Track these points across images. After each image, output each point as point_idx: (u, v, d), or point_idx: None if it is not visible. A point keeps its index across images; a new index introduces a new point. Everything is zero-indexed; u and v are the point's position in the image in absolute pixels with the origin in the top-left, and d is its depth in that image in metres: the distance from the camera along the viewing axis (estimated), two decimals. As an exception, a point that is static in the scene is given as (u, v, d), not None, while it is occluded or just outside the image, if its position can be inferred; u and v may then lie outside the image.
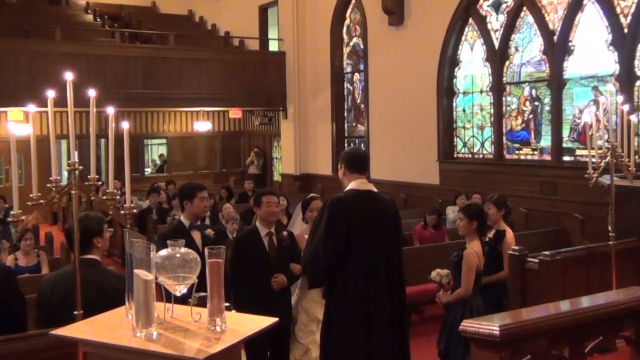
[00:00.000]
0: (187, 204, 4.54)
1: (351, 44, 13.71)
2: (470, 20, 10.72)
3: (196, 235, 4.46)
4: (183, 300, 2.38)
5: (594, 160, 5.54)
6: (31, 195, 3.10)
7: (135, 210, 3.46)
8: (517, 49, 10.03)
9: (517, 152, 10.16)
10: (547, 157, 9.62)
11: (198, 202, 4.52)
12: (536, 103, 9.82)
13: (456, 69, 11.05)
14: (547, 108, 9.61)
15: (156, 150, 18.67)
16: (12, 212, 3.10)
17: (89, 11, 17.83)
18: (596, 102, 8.36)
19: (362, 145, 13.37)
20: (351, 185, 4.07)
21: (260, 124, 16.81)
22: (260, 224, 4.86)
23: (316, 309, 4.83)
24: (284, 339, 4.82)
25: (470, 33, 10.79)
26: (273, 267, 4.73)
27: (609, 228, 5.76)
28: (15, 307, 3.63)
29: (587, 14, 8.97)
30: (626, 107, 5.55)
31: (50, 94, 3.16)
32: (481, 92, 10.68)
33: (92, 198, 3.24)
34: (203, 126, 17.40)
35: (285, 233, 4.90)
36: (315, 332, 4.79)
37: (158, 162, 18.49)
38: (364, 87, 13.11)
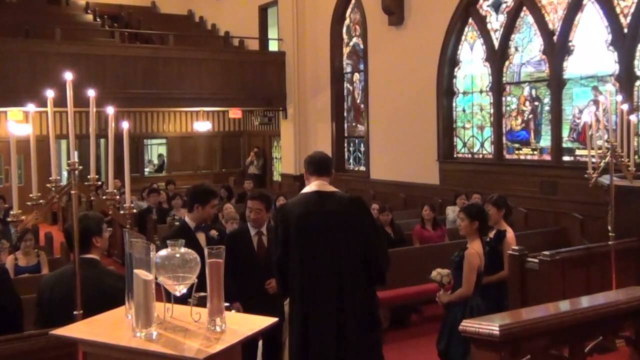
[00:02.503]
0: (198, 208, 4.52)
1: (351, 44, 13.71)
2: (470, 20, 10.71)
3: (201, 237, 4.47)
4: (183, 300, 2.38)
5: (593, 160, 5.54)
6: (31, 195, 3.10)
7: (135, 210, 3.46)
8: (517, 49, 10.03)
9: (517, 152, 10.16)
10: (547, 157, 9.61)
11: (209, 209, 4.54)
12: (536, 103, 9.82)
13: (456, 69, 11.05)
14: (547, 108, 9.61)
15: (156, 150, 18.67)
16: (12, 212, 3.10)
17: (89, 11, 17.81)
18: (596, 102, 8.36)
19: (362, 145, 13.39)
20: (305, 188, 4.05)
21: (260, 124, 16.82)
22: (250, 223, 4.90)
23: None
24: (275, 335, 4.82)
25: (470, 33, 10.79)
26: (261, 267, 4.76)
27: (609, 228, 5.76)
28: (10, 308, 3.63)
29: (587, 14, 8.96)
30: (626, 107, 5.55)
31: (50, 94, 3.15)
32: (481, 92, 10.68)
33: (92, 198, 3.24)
34: (203, 126, 17.39)
35: None
36: None
37: (156, 162, 18.49)
38: (364, 87, 13.10)
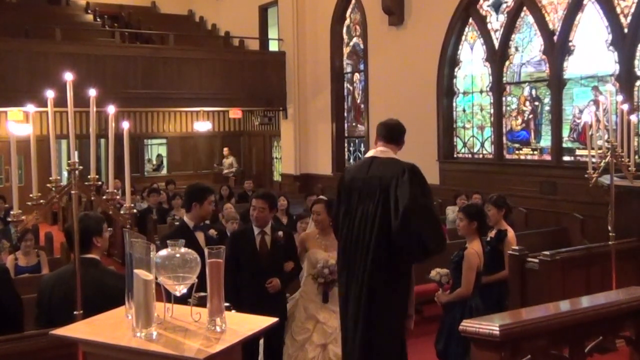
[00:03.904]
0: (196, 206, 4.53)
1: (351, 44, 13.71)
2: (470, 20, 10.71)
3: (200, 236, 4.48)
4: (183, 300, 2.38)
5: (594, 160, 5.53)
6: (31, 195, 3.10)
7: (135, 210, 3.46)
8: (517, 49, 10.03)
9: (517, 152, 10.16)
10: (547, 157, 9.61)
11: (207, 206, 4.55)
12: (536, 103, 9.82)
13: (456, 69, 11.05)
14: (547, 108, 9.61)
15: (156, 151, 18.67)
16: (12, 212, 3.10)
17: (89, 11, 17.81)
18: (596, 102, 8.36)
19: (362, 145, 13.38)
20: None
21: (260, 124, 16.82)
22: (253, 222, 4.91)
23: (314, 308, 4.85)
24: (276, 334, 4.83)
25: (470, 33, 10.79)
26: (263, 266, 4.76)
27: (609, 228, 5.75)
28: (11, 308, 3.63)
29: (587, 14, 8.97)
30: (626, 107, 5.55)
31: (50, 94, 3.15)
32: (481, 92, 10.67)
33: (92, 198, 3.24)
34: (203, 126, 17.40)
35: (280, 233, 4.92)
36: (311, 330, 4.80)
37: (155, 162, 18.49)
38: (364, 87, 13.10)
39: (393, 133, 4.12)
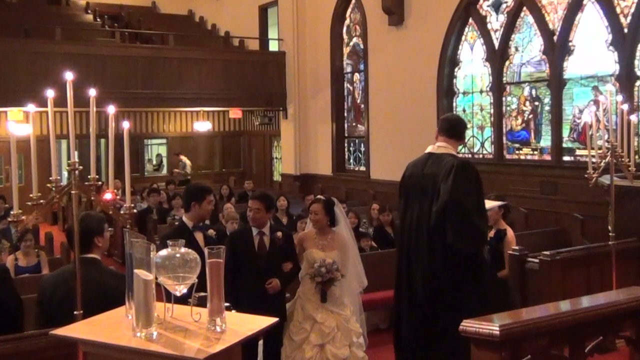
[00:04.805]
0: (195, 206, 4.53)
1: (351, 44, 13.71)
2: (470, 20, 10.71)
3: (199, 236, 4.48)
4: (183, 300, 2.38)
5: (594, 160, 5.53)
6: (31, 195, 3.10)
7: (135, 210, 3.46)
8: (517, 49, 10.03)
9: (517, 152, 10.16)
10: (547, 157, 9.61)
11: (206, 205, 4.54)
12: (536, 103, 9.81)
13: (456, 69, 11.05)
14: (547, 108, 9.61)
15: (156, 151, 18.68)
16: (12, 212, 3.10)
17: (89, 11, 17.82)
18: (596, 102, 8.35)
19: (362, 145, 13.38)
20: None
21: (260, 124, 16.82)
22: (251, 223, 4.92)
23: (312, 308, 4.85)
24: (276, 334, 4.83)
25: (470, 33, 10.79)
26: (262, 267, 4.76)
27: (609, 228, 5.75)
28: (11, 307, 3.63)
29: (587, 14, 8.96)
30: (626, 107, 5.55)
31: (50, 93, 3.15)
32: (481, 92, 10.67)
33: (92, 198, 3.24)
34: (203, 126, 17.40)
35: (279, 233, 4.92)
36: (308, 331, 4.81)
37: (155, 162, 18.49)
38: (364, 87, 13.10)
39: (454, 128, 4.19)
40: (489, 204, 4.46)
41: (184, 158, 16.88)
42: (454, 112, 11.13)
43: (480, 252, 4.01)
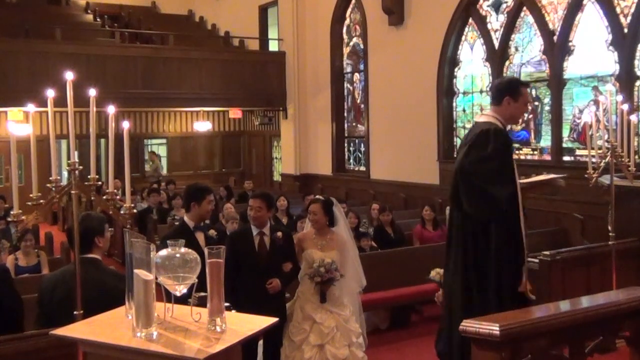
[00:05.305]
0: (194, 206, 4.54)
1: (351, 44, 13.71)
2: (470, 20, 10.71)
3: (200, 237, 4.48)
4: (183, 300, 2.38)
5: (594, 160, 5.53)
6: (31, 195, 3.10)
7: (135, 210, 3.46)
8: (517, 49, 10.03)
9: (517, 152, 10.15)
10: (547, 157, 9.61)
11: (206, 205, 4.56)
12: (536, 103, 9.81)
13: (456, 69, 11.05)
14: (547, 108, 9.61)
15: (156, 150, 18.65)
16: (12, 212, 3.10)
17: (89, 11, 17.82)
18: (596, 102, 8.35)
19: (362, 145, 13.38)
20: None
21: (260, 124, 16.82)
22: (251, 223, 4.92)
23: (311, 308, 4.85)
24: (275, 334, 4.83)
25: (470, 33, 10.78)
26: (261, 266, 4.76)
27: (609, 228, 5.76)
28: (11, 307, 3.63)
29: (587, 14, 8.96)
30: (626, 107, 5.55)
31: (50, 93, 3.15)
32: (481, 92, 10.67)
33: (92, 198, 3.24)
34: (203, 126, 17.39)
35: (279, 233, 4.93)
36: (307, 331, 4.81)
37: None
38: (364, 87, 13.10)
39: (494, 92, 4.08)
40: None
41: (155, 159, 16.83)
42: (455, 110, 11.13)
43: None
